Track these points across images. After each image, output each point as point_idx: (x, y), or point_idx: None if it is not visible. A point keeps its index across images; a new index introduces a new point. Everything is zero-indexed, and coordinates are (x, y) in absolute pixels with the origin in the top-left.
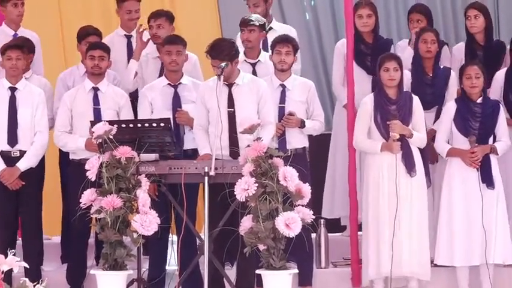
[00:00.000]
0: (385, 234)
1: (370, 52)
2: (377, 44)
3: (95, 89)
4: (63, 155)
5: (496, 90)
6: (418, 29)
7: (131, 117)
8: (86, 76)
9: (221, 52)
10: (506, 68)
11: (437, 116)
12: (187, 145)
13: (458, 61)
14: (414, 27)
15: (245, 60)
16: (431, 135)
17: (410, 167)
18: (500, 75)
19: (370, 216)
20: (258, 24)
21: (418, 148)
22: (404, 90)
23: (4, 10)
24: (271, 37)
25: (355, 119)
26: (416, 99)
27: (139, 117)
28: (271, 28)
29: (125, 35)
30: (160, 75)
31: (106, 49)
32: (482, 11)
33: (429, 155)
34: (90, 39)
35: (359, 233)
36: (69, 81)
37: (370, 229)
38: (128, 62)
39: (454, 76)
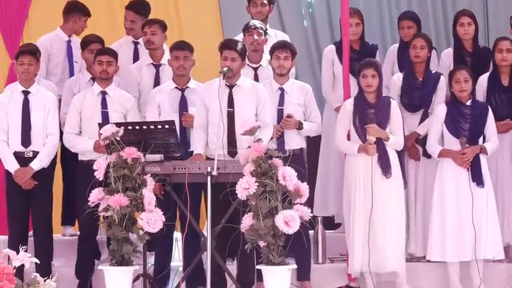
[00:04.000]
0: (360, 233)
1: (357, 58)
2: (363, 50)
3: (103, 93)
4: (64, 152)
5: (479, 94)
6: (409, 36)
7: (137, 119)
8: (91, 82)
9: (236, 45)
10: (488, 73)
11: (423, 119)
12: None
13: (447, 66)
14: (405, 34)
15: (248, 65)
16: (415, 138)
17: (385, 168)
18: (483, 80)
19: (349, 215)
20: (265, 29)
21: (396, 150)
22: (393, 93)
23: (76, 21)
24: (267, 42)
25: None
26: (394, 104)
27: (148, 119)
28: (267, 33)
29: (132, 41)
30: (155, 81)
31: (113, 54)
32: (473, 18)
33: (413, 154)
34: (92, 47)
35: None
36: (75, 88)
37: (350, 227)
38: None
39: (443, 80)
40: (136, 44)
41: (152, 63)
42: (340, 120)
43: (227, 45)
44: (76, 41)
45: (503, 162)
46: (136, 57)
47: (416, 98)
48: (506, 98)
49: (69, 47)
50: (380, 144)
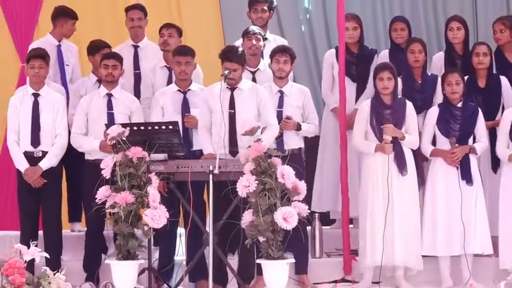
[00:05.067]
0: (379, 228)
1: (355, 61)
2: (362, 54)
3: (109, 95)
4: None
5: None
6: (401, 37)
7: (142, 121)
8: (97, 85)
9: (238, 56)
10: (467, 76)
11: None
12: (196, 147)
13: (438, 69)
14: (397, 35)
15: (246, 68)
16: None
17: (401, 166)
18: None
19: (366, 211)
20: (262, 34)
21: (411, 149)
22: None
23: (63, 24)
24: (266, 46)
25: (345, 123)
26: (409, 105)
27: (152, 120)
28: (266, 38)
29: (132, 45)
30: (168, 83)
31: (119, 58)
32: (463, 23)
33: (420, 154)
34: (105, 51)
35: (350, 226)
36: (82, 91)
37: (366, 223)
38: (134, 69)
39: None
40: (136, 47)
41: (166, 66)
42: (358, 121)
43: (228, 57)
44: (67, 44)
45: (479, 162)
46: (136, 61)
47: (418, 100)
48: (482, 99)
49: (59, 51)
50: (396, 143)
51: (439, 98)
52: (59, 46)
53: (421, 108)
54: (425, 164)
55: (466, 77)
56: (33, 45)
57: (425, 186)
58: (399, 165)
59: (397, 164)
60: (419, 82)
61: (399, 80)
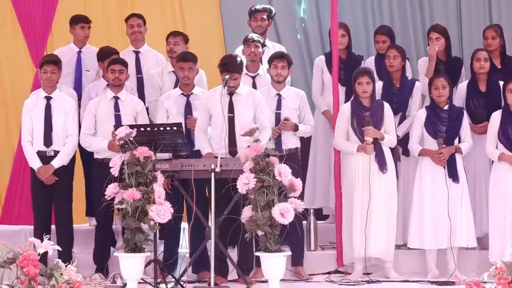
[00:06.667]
0: (358, 223)
1: (344, 66)
2: (349, 60)
3: (116, 98)
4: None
5: (459, 99)
6: (383, 49)
7: (147, 122)
8: (107, 89)
9: (236, 67)
10: (467, 81)
11: (401, 121)
12: (198, 146)
13: (423, 71)
14: (380, 47)
15: (246, 74)
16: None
17: (382, 165)
18: (462, 87)
19: (348, 208)
20: (262, 41)
21: (390, 148)
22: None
23: (73, 31)
24: (265, 53)
25: None
26: (387, 106)
27: (157, 121)
28: (265, 45)
29: (133, 50)
30: (176, 87)
31: (124, 64)
32: (442, 33)
33: (395, 154)
34: (113, 57)
35: None
36: (93, 94)
37: (348, 219)
38: (136, 73)
39: (418, 85)
40: (137, 53)
41: (173, 71)
42: (339, 123)
43: (226, 69)
44: (90, 49)
45: (480, 161)
46: (138, 66)
47: (394, 103)
48: (483, 103)
49: (78, 57)
50: (376, 143)
51: (415, 99)
52: (79, 52)
53: (397, 110)
54: (398, 163)
55: (467, 81)
56: (55, 52)
57: (414, 183)
58: (380, 164)
59: (378, 162)
60: (398, 86)
61: (380, 84)
